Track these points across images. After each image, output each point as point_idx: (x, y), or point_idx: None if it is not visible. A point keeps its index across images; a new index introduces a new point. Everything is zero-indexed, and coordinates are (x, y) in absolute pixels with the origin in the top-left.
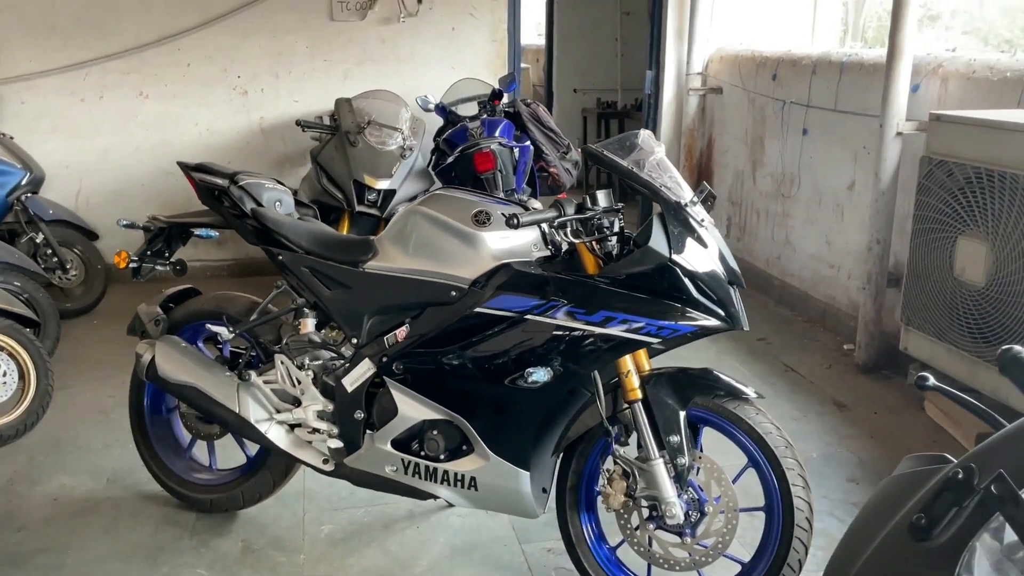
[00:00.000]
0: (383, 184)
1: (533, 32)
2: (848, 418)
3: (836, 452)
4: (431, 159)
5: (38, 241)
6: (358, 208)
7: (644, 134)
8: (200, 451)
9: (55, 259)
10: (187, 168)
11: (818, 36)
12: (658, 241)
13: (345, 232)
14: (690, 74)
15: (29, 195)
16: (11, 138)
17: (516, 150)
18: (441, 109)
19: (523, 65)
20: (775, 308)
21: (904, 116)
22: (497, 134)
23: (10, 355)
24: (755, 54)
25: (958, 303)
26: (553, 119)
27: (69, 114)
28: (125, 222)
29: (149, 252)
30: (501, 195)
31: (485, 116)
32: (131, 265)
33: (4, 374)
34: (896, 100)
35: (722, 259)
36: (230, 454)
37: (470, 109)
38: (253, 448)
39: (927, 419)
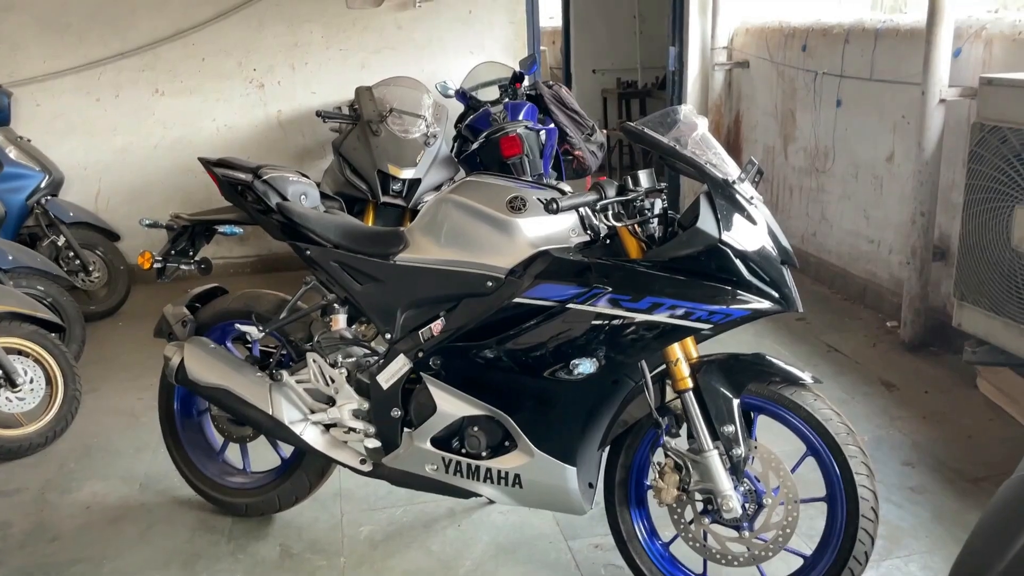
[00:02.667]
0: (408, 173)
1: (545, 15)
2: (898, 398)
3: (888, 434)
4: (453, 146)
5: (59, 244)
6: (383, 199)
7: (685, 109)
8: (233, 454)
9: (77, 262)
10: (208, 163)
11: (845, 5)
12: (707, 221)
13: (370, 224)
14: (715, 48)
15: (49, 198)
16: (28, 141)
17: (542, 133)
18: (461, 95)
19: (540, 47)
20: (812, 286)
21: (947, 82)
22: (521, 117)
23: (36, 361)
24: (783, 25)
25: (1016, 275)
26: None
27: (85, 114)
28: (148, 221)
29: (173, 251)
30: (530, 180)
31: (507, 100)
32: (155, 265)
33: (31, 380)
34: (938, 66)
35: (773, 237)
36: (264, 455)
37: (491, 93)
38: (287, 449)
39: (980, 397)
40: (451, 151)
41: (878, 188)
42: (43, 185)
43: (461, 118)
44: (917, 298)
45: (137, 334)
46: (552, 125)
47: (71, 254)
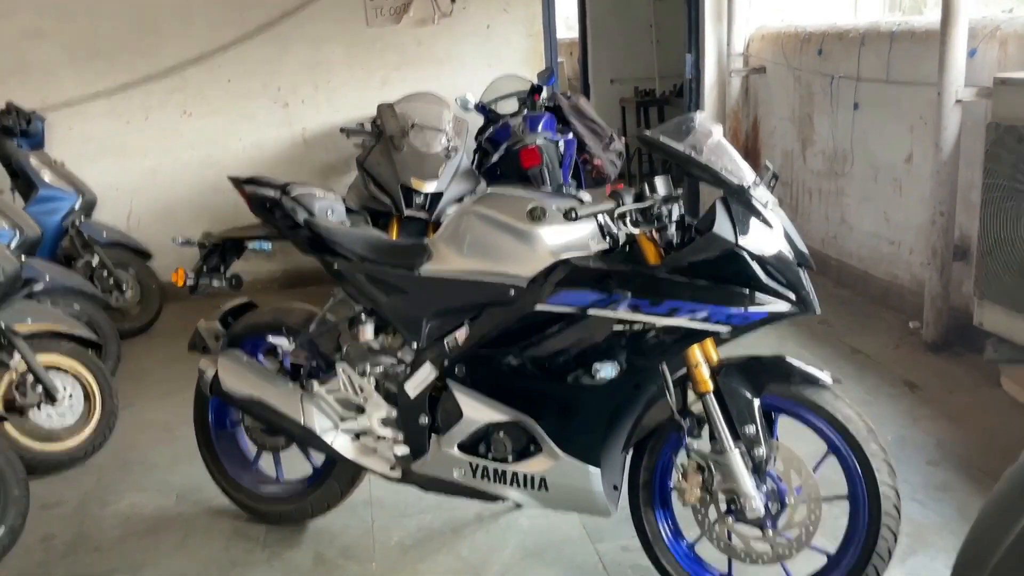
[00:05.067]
0: (430, 187)
1: (562, 25)
2: (921, 398)
3: (912, 434)
4: (474, 158)
5: (94, 264)
6: (406, 212)
7: (700, 116)
8: (266, 463)
9: (111, 280)
10: (238, 182)
11: (861, 8)
12: (723, 227)
13: (394, 237)
14: (731, 55)
15: (83, 219)
16: (62, 164)
17: (561, 144)
18: (481, 108)
19: (557, 59)
20: (834, 289)
21: (963, 83)
22: (540, 129)
23: (75, 377)
24: (798, 30)
25: None
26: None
27: (116, 136)
28: (181, 240)
29: (205, 268)
30: (549, 190)
31: (526, 112)
32: (188, 283)
33: (70, 396)
34: (953, 67)
35: (789, 241)
36: (296, 465)
37: (510, 106)
38: (318, 458)
39: (1004, 395)
40: (472, 164)
41: (897, 189)
42: (77, 207)
43: (481, 131)
44: (939, 298)
45: (170, 350)
46: (571, 135)
47: (105, 273)
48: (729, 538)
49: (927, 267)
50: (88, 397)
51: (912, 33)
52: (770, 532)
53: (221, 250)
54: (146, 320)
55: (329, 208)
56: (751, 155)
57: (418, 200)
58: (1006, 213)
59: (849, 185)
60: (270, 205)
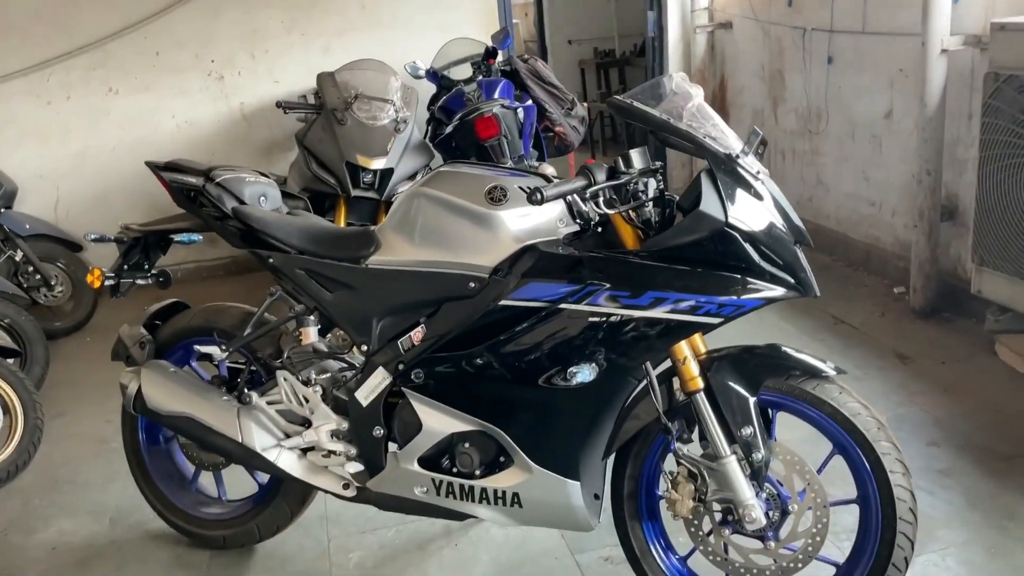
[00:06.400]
0: (379, 163)
1: None
2: (914, 371)
3: (908, 412)
4: (427, 130)
5: (17, 259)
6: (354, 192)
7: (678, 77)
8: (207, 481)
9: (38, 276)
10: (157, 168)
11: None
12: (710, 203)
13: (342, 219)
14: (695, 10)
15: (2, 211)
16: None
17: (520, 111)
18: (433, 75)
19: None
20: (812, 254)
21: (948, 31)
22: (497, 95)
23: None
24: None
25: None
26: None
27: (36, 119)
28: (94, 236)
29: (126, 266)
30: (510, 163)
31: (481, 77)
32: (107, 283)
33: None
34: (938, 14)
35: (783, 215)
36: (241, 479)
37: (464, 71)
38: (264, 474)
39: (1000, 364)
40: (425, 135)
41: (877, 148)
42: None
43: (433, 99)
44: (927, 262)
45: (106, 349)
46: (530, 102)
47: (30, 269)
48: (726, 551)
49: (914, 230)
50: (8, 411)
51: None
52: (772, 544)
53: (143, 245)
54: (80, 317)
55: (261, 194)
56: (720, 116)
57: (366, 179)
58: (1007, 171)
59: (825, 144)
60: (194, 194)
